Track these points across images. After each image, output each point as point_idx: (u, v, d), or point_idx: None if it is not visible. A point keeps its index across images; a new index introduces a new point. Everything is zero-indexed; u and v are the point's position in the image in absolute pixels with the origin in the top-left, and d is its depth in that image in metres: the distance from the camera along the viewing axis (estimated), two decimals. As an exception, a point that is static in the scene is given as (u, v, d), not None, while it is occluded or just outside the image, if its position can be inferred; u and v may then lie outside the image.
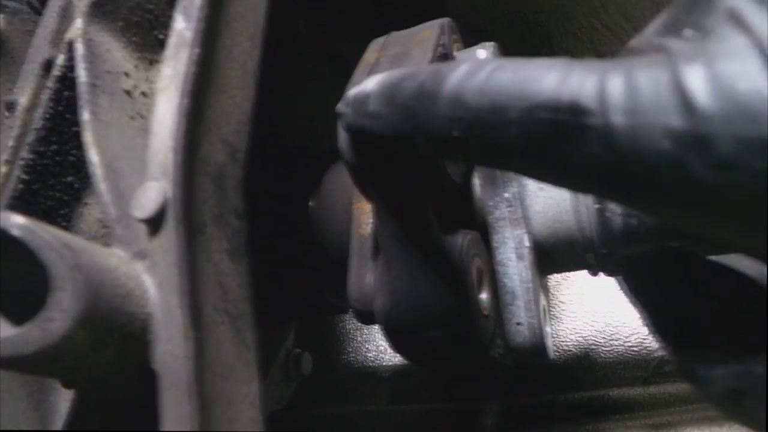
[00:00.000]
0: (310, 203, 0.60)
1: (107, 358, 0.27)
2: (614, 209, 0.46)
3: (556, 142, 0.21)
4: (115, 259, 0.27)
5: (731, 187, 0.19)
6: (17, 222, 0.24)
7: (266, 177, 0.61)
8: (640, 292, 0.34)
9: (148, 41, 0.42)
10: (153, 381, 0.27)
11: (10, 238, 0.24)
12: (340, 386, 0.87)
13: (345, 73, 0.49)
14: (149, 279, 0.27)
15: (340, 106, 0.33)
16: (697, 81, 0.19)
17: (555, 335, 0.80)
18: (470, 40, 0.69)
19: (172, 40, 0.32)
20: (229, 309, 0.31)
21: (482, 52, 0.47)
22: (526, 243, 0.48)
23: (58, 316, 0.23)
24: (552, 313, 0.81)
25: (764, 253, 0.22)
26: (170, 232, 0.27)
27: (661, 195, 0.20)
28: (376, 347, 0.87)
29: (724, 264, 0.31)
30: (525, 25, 0.73)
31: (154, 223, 0.27)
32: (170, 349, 0.26)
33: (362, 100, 0.29)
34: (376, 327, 0.47)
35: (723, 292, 0.30)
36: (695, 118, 0.19)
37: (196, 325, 0.27)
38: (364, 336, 0.89)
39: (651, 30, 0.26)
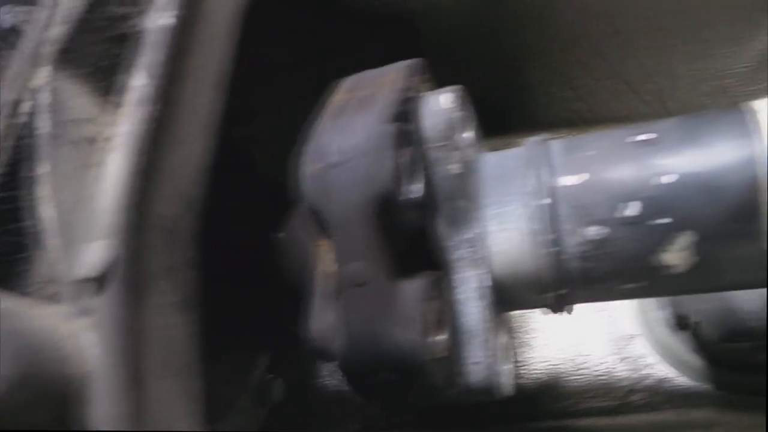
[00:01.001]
0: (279, 235, 0.61)
1: (43, 418, 0.27)
2: (573, 252, 0.47)
3: None
4: (56, 318, 0.27)
5: None
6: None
7: (235, 208, 0.62)
8: None
9: (115, 85, 0.42)
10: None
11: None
12: (312, 412, 0.87)
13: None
14: (91, 337, 0.28)
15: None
16: None
17: (527, 363, 0.81)
18: (448, 74, 0.71)
19: (131, 97, 0.33)
20: (174, 361, 0.32)
21: (446, 96, 0.48)
22: (486, 283, 0.49)
23: (-6, 381, 0.24)
24: (523, 341, 0.82)
25: None
26: (113, 291, 0.28)
27: None
28: (352, 370, 0.88)
29: None
30: (501, 60, 0.74)
31: (99, 282, 0.28)
32: (107, 409, 0.27)
33: None
34: None
35: None
36: None
37: (135, 384, 0.28)
38: (340, 359, 0.89)
39: None
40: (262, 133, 0.71)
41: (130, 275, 0.29)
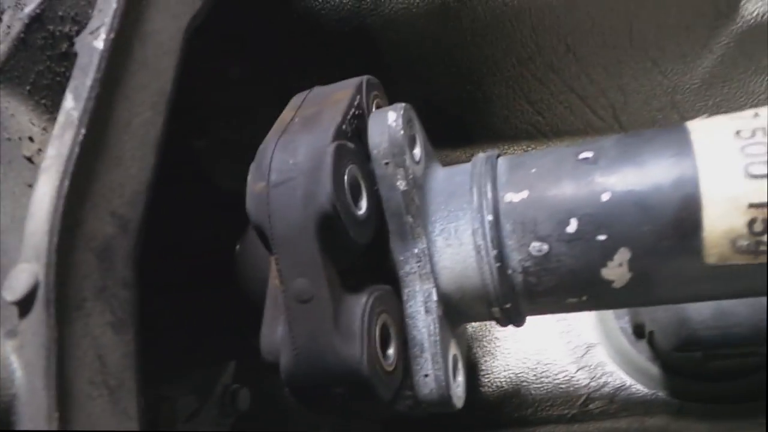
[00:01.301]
0: (237, 247, 0.62)
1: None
2: (515, 267, 0.48)
3: None
4: (-19, 342, 0.28)
5: None
6: None
7: (193, 221, 0.62)
8: None
9: (58, 102, 0.43)
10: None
11: None
12: (279, 421, 0.87)
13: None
14: (17, 360, 0.28)
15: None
16: None
17: (490, 372, 0.82)
18: (407, 86, 0.72)
19: (60, 119, 0.33)
20: (108, 381, 0.32)
21: (392, 114, 0.49)
22: (434, 297, 0.50)
23: None
24: (486, 349, 0.83)
25: None
26: (39, 313, 0.28)
27: None
28: (318, 380, 0.88)
29: None
30: (460, 74, 0.75)
31: (24, 305, 0.28)
32: (32, 429, 0.27)
33: None
34: None
35: None
36: None
37: (61, 405, 0.28)
38: (306, 369, 0.89)
39: None
40: (223, 146, 0.71)
41: (56, 297, 0.29)
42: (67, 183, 0.30)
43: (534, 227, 0.47)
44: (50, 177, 0.30)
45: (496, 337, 0.83)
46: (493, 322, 0.85)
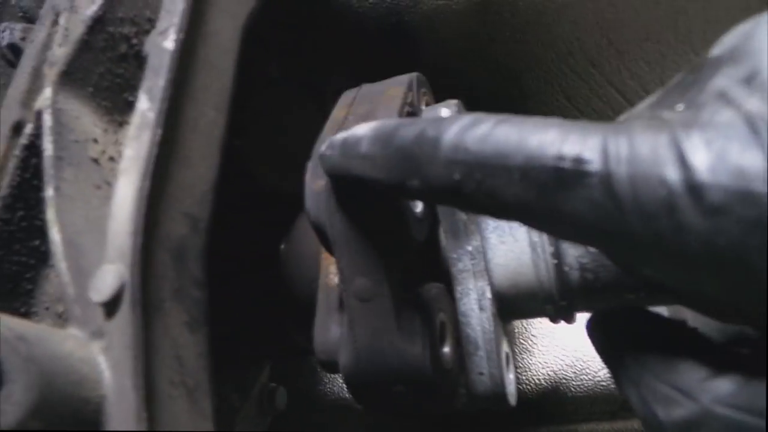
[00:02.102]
0: (282, 246, 0.61)
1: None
2: (572, 264, 0.47)
3: (558, 188, 0.23)
4: (71, 343, 0.28)
5: (720, 233, 0.21)
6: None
7: (237, 220, 0.62)
8: (600, 348, 0.35)
9: (118, 104, 0.43)
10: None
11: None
12: (315, 420, 0.87)
13: (326, 111, 0.50)
14: (104, 361, 0.28)
15: (324, 149, 0.34)
16: (691, 141, 0.22)
17: (527, 369, 0.81)
18: (444, 82, 0.71)
19: (135, 120, 0.33)
20: (186, 381, 0.32)
21: (446, 110, 0.49)
22: (488, 294, 0.50)
23: (10, 409, 0.24)
24: (523, 346, 0.83)
25: (748, 307, 0.23)
26: (125, 314, 0.28)
27: (655, 241, 0.22)
28: (353, 379, 0.88)
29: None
30: (497, 69, 0.75)
31: (110, 306, 0.28)
32: (122, 430, 0.27)
33: (353, 142, 0.30)
34: None
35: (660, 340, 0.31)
36: (689, 171, 0.21)
37: (149, 405, 0.28)
38: (341, 368, 0.89)
39: (643, 105, 0.28)
40: (264, 146, 0.71)
41: (140, 298, 0.29)
42: (147, 184, 0.31)
43: (592, 223, 0.46)
44: (130, 178, 0.30)
45: (533, 335, 0.83)
46: (531, 320, 0.85)
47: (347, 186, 0.37)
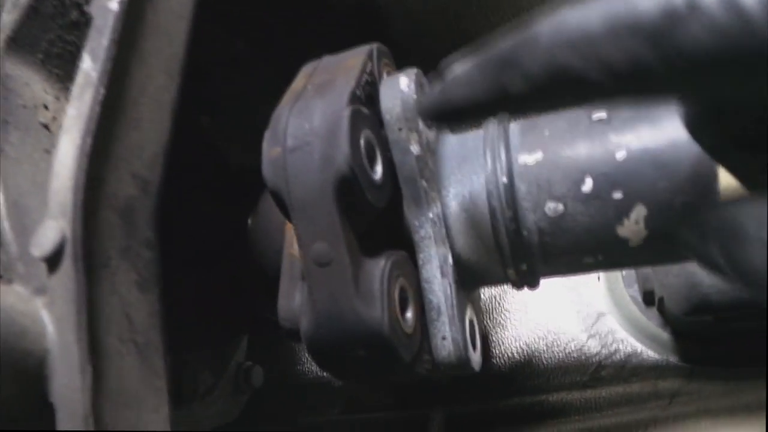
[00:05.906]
0: (249, 221, 0.62)
1: (11, 392, 0.28)
2: (531, 228, 0.48)
3: (673, 25, 0.21)
4: (13, 297, 0.28)
5: None
6: None
7: (205, 196, 0.63)
8: None
9: (70, 72, 0.42)
10: (53, 415, 0.28)
11: None
12: (292, 398, 0.88)
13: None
14: (47, 315, 0.28)
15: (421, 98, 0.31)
16: None
17: (501, 342, 0.83)
18: (414, 58, 0.71)
19: (79, 80, 0.33)
20: (136, 338, 0.32)
21: (404, 79, 0.49)
22: (450, 261, 0.50)
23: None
24: (496, 321, 0.84)
25: None
26: (67, 269, 0.29)
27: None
28: (330, 357, 0.89)
29: None
30: (466, 43, 0.75)
31: (52, 261, 0.29)
32: (66, 382, 0.28)
33: (450, 78, 0.29)
34: None
35: None
36: None
37: (93, 358, 0.28)
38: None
39: None
40: (231, 122, 0.71)
41: (82, 253, 0.29)
42: (89, 141, 0.31)
43: (549, 188, 0.47)
44: (72, 136, 0.30)
45: (506, 309, 0.84)
46: (503, 294, 0.86)
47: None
